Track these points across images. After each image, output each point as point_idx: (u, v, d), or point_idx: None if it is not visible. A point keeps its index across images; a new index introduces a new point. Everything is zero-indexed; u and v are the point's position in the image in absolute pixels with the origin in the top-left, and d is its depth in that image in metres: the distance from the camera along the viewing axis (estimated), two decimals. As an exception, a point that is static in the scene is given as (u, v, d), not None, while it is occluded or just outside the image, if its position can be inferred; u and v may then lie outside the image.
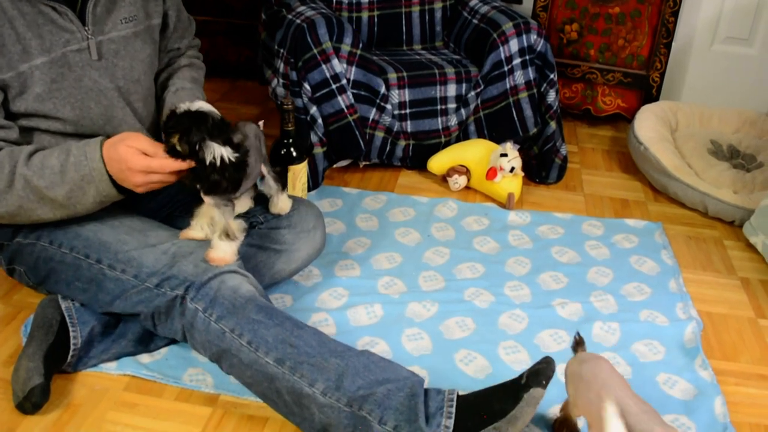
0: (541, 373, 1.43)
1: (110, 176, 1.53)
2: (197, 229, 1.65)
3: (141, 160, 1.50)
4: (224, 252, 1.59)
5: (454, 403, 1.43)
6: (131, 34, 1.72)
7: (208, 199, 1.57)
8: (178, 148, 1.48)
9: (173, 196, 1.88)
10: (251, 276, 1.62)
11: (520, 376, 1.45)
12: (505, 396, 1.42)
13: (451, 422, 1.40)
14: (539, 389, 1.41)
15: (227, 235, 1.59)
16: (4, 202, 1.53)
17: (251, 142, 1.63)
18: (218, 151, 1.48)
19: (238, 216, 1.83)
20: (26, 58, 1.55)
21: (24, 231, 1.70)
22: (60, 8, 1.57)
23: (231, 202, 1.60)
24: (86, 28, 1.63)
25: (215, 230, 1.61)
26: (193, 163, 1.50)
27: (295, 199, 1.92)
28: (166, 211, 1.88)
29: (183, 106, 1.51)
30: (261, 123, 1.80)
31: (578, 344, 1.57)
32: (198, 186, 1.54)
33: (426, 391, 1.46)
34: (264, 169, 1.77)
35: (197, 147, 1.47)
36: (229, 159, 1.49)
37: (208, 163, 1.48)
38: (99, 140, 1.55)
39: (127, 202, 1.68)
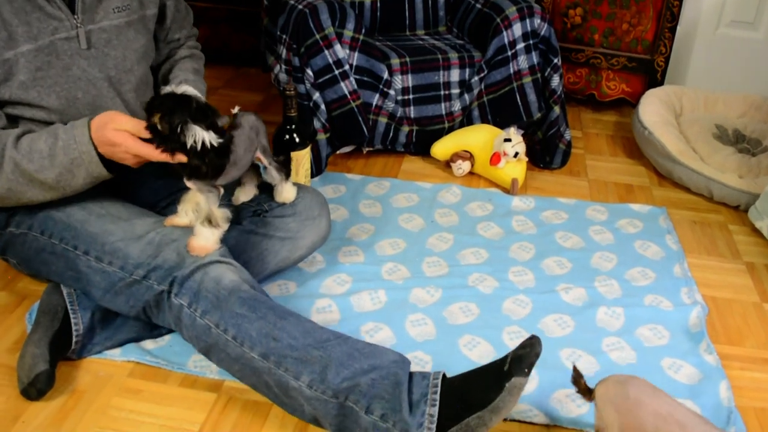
0: (524, 359, 1.40)
1: (99, 156, 1.53)
2: (182, 215, 1.63)
3: (133, 145, 1.49)
4: (206, 240, 1.58)
5: (439, 389, 1.42)
6: (124, 24, 1.71)
7: (190, 184, 1.56)
8: (159, 127, 1.46)
9: (170, 188, 1.87)
10: (235, 263, 1.60)
11: (505, 359, 1.42)
12: (489, 383, 1.40)
13: (435, 410, 1.39)
14: (521, 378, 1.38)
15: (210, 222, 1.58)
16: None
17: (242, 132, 1.61)
18: (200, 135, 1.46)
19: (243, 204, 1.83)
20: (12, 45, 1.54)
21: (16, 220, 1.70)
22: None
23: (215, 188, 1.59)
24: (75, 16, 1.61)
25: (198, 217, 1.59)
26: (183, 158, 1.49)
27: (300, 187, 1.91)
28: (164, 203, 1.87)
29: (168, 88, 1.50)
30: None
31: (578, 378, 1.50)
32: (180, 170, 1.53)
33: (411, 376, 1.45)
34: (264, 160, 1.75)
35: (179, 129, 1.45)
36: (211, 144, 1.48)
37: (189, 146, 1.46)
38: (85, 122, 1.54)
39: (125, 193, 1.67)
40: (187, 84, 1.83)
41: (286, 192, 1.84)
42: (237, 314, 1.50)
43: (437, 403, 1.40)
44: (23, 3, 1.54)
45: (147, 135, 1.49)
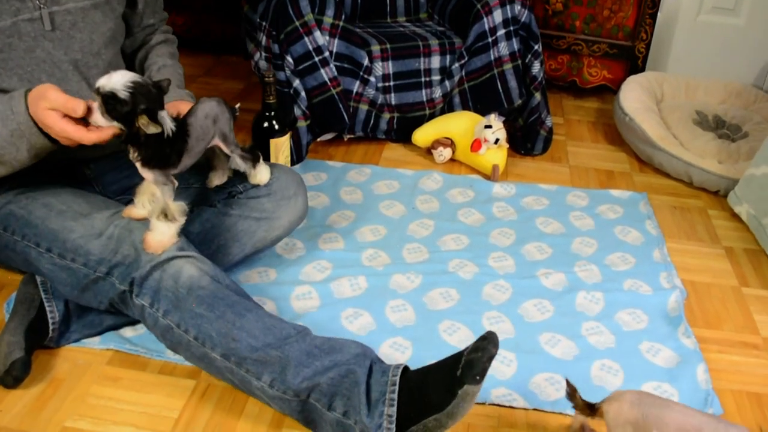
0: (475, 365, 1.35)
1: (39, 128, 1.48)
2: (139, 206, 1.59)
3: (61, 126, 1.42)
4: (162, 234, 1.53)
5: (397, 388, 1.40)
6: (90, 6, 1.67)
7: (144, 173, 1.50)
8: (110, 109, 1.39)
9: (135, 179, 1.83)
10: (195, 254, 1.55)
11: (459, 359, 1.38)
12: (443, 386, 1.37)
13: (393, 410, 1.38)
14: (473, 386, 1.34)
15: (165, 216, 1.53)
16: None
17: (195, 119, 1.55)
18: (143, 121, 1.40)
19: (217, 186, 1.81)
20: None
21: None
22: None
23: (170, 181, 1.54)
24: None
25: (153, 211, 1.54)
26: (113, 131, 1.42)
27: (275, 167, 1.89)
28: (128, 197, 1.80)
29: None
30: (237, 106, 1.75)
31: (573, 393, 1.46)
32: (135, 156, 1.47)
33: (371, 371, 1.44)
34: (225, 148, 1.69)
35: (133, 114, 1.39)
36: (164, 132, 1.44)
37: (140, 133, 1.42)
38: (23, 92, 1.48)
39: (87, 187, 1.66)
40: (165, 69, 1.82)
41: (259, 174, 1.81)
42: (196, 314, 1.48)
43: (395, 403, 1.38)
44: None
45: (80, 114, 1.40)
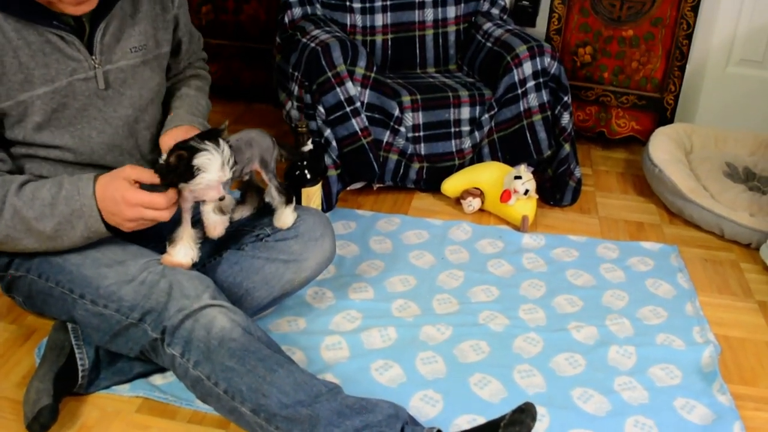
0: None
1: (100, 213, 1.53)
2: (181, 254, 1.62)
3: (135, 193, 1.50)
4: (184, 256, 1.61)
5: None
6: (140, 63, 1.72)
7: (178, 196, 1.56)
8: (169, 160, 1.48)
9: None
10: (227, 304, 1.56)
11: (495, 429, 1.39)
12: None
13: None
14: None
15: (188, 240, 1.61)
16: None
17: (229, 140, 1.60)
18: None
19: (245, 229, 1.85)
20: (28, 87, 1.54)
21: (16, 263, 1.71)
22: (68, 37, 1.56)
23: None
24: (93, 57, 1.62)
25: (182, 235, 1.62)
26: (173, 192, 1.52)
27: (302, 209, 1.89)
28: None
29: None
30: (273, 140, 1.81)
31: None
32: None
33: (403, 430, 1.43)
34: (264, 175, 1.76)
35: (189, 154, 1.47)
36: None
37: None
38: (92, 176, 1.55)
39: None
40: (187, 98, 1.85)
41: (284, 217, 1.82)
42: (227, 367, 1.47)
43: None
44: (42, 45, 1.54)
45: (155, 180, 1.51)
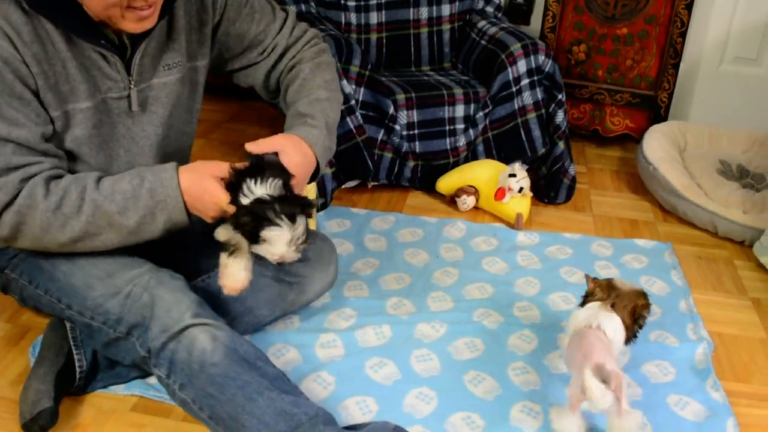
0: None
1: (185, 204, 1.52)
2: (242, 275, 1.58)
3: (223, 194, 1.49)
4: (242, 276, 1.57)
5: None
6: (174, 81, 1.67)
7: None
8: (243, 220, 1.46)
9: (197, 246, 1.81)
10: (210, 321, 1.51)
11: None
12: None
13: None
14: None
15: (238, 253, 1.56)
16: (69, 227, 1.49)
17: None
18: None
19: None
20: (73, 99, 1.52)
21: (12, 264, 1.69)
22: (111, 57, 1.54)
23: None
24: (131, 77, 1.59)
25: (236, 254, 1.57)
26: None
27: (312, 233, 1.90)
28: (192, 261, 1.81)
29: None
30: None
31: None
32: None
33: None
34: None
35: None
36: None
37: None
38: (174, 166, 1.53)
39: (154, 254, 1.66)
40: (317, 103, 1.73)
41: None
42: (208, 393, 1.44)
43: None
44: (85, 60, 1.52)
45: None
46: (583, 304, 1.73)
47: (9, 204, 1.45)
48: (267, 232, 1.44)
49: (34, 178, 1.46)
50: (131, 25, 1.48)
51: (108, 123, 1.60)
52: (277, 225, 1.44)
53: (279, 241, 1.45)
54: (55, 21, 1.45)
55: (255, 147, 1.58)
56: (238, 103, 3.47)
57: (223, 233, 1.59)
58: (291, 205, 1.47)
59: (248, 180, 1.47)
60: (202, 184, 1.51)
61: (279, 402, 1.44)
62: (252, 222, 1.45)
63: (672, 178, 2.62)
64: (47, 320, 1.79)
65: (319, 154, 1.68)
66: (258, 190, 1.46)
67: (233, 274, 1.55)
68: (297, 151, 1.62)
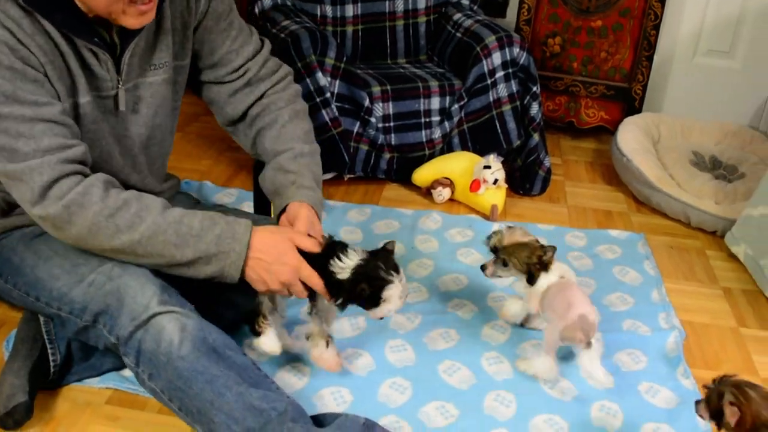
0: None
1: (244, 263, 1.51)
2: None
3: (302, 262, 1.52)
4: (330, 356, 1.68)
5: None
6: (159, 81, 1.65)
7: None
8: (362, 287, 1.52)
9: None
10: (177, 308, 1.48)
11: None
12: None
13: None
14: None
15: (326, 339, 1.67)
16: (118, 239, 1.45)
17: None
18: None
19: None
20: (73, 93, 1.50)
21: None
22: (102, 55, 1.51)
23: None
24: (119, 76, 1.56)
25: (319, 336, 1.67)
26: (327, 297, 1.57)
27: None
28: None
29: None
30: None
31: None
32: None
33: None
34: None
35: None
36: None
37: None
38: (249, 224, 1.52)
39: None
40: (305, 166, 1.75)
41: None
42: (176, 387, 1.43)
43: None
44: (79, 57, 1.49)
45: (313, 249, 1.55)
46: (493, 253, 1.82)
47: (52, 184, 1.40)
48: (387, 292, 1.51)
49: (93, 176, 1.44)
50: (131, 20, 1.46)
51: (99, 120, 1.57)
52: (392, 282, 1.51)
53: (396, 296, 1.52)
54: (50, 18, 1.43)
55: (309, 244, 1.58)
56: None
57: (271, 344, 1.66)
58: (387, 259, 1.55)
59: (336, 254, 1.54)
60: (277, 242, 1.52)
61: (248, 397, 1.43)
62: (370, 287, 1.51)
63: (645, 169, 2.64)
64: (21, 314, 1.79)
65: (318, 212, 1.71)
66: (351, 258, 1.53)
67: (330, 359, 1.68)
68: (311, 220, 1.66)
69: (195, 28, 1.72)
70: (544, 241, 2.36)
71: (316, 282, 1.54)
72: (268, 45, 1.84)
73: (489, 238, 1.85)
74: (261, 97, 1.79)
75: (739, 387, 1.38)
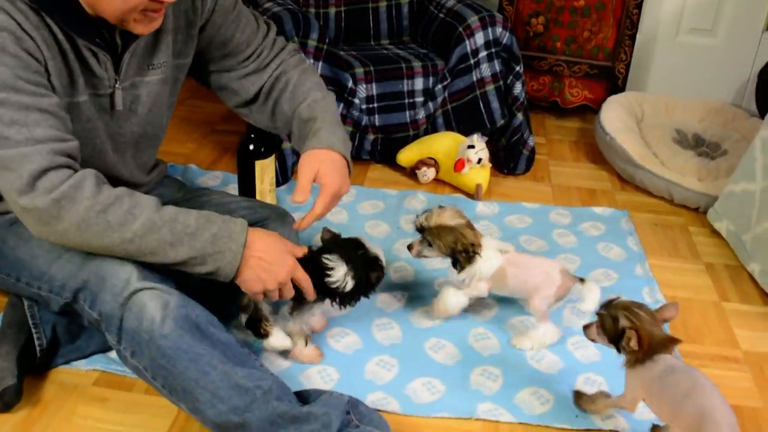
0: None
1: (239, 263, 1.49)
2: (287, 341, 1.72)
3: (297, 264, 1.55)
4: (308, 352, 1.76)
5: None
6: (156, 80, 1.63)
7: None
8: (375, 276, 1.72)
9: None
10: (158, 285, 1.45)
11: None
12: None
13: None
14: None
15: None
16: (108, 237, 1.41)
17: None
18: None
19: None
20: (71, 91, 1.48)
21: None
22: (102, 56, 1.49)
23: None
24: (117, 76, 1.54)
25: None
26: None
27: (269, 206, 1.94)
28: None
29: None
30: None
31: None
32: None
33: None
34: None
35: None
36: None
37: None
38: (245, 223, 1.51)
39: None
40: (318, 110, 1.75)
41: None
42: (160, 365, 1.42)
43: None
44: (77, 56, 1.47)
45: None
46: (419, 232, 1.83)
47: (41, 174, 1.36)
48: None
49: (84, 170, 1.41)
50: (141, 27, 1.45)
51: (89, 119, 1.55)
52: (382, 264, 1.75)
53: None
54: (53, 16, 1.41)
55: (303, 195, 1.61)
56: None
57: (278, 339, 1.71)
58: (359, 244, 1.75)
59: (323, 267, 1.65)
60: (273, 243, 1.53)
61: (233, 375, 1.42)
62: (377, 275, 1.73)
63: (629, 147, 2.66)
64: (6, 299, 1.78)
65: (341, 150, 1.69)
66: (338, 265, 1.66)
67: (310, 354, 1.77)
68: (326, 165, 1.65)
69: (203, 27, 1.70)
70: (529, 220, 2.40)
71: (308, 284, 1.58)
72: (273, 26, 1.84)
73: (417, 216, 1.83)
74: (272, 74, 1.79)
75: (630, 309, 1.44)
